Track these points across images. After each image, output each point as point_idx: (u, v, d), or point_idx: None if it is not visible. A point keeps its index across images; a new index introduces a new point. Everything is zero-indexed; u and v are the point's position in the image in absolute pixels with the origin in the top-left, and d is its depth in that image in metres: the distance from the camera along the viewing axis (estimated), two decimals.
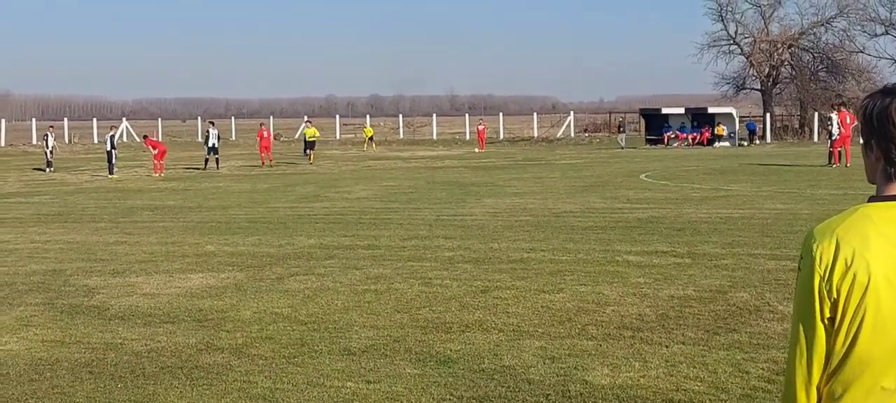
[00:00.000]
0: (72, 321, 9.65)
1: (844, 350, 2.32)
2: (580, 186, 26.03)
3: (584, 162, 40.07)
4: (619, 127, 61.64)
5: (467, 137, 68.10)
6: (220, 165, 39.06)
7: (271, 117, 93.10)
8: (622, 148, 53.28)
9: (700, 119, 57.74)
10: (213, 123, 42.46)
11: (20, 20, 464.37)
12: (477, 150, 54.40)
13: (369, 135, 61.49)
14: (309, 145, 43.59)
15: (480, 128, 59.40)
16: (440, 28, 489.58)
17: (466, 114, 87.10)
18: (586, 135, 70.76)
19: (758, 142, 56.80)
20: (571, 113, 79.46)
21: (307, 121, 46.40)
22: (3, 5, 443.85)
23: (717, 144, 54.71)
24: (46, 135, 41.59)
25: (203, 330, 9.08)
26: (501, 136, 70.17)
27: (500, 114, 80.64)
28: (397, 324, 9.14)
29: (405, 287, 11.06)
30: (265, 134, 42.19)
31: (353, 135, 78.94)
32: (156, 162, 36.08)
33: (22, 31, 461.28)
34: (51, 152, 40.47)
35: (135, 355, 8.23)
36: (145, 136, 41.69)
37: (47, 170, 38.99)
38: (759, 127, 60.00)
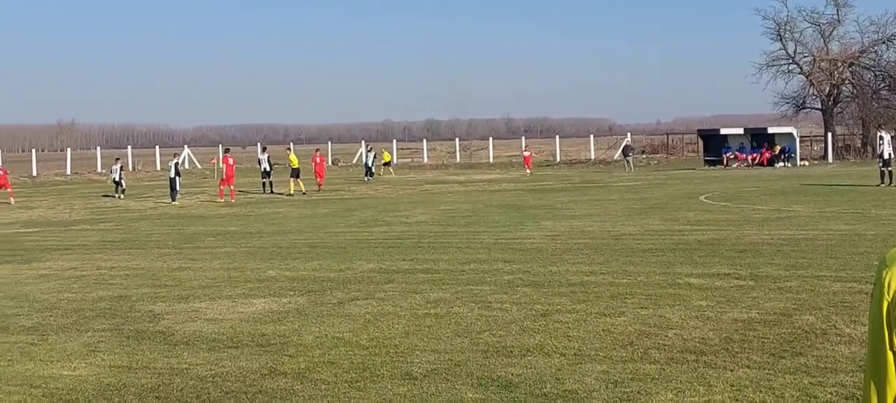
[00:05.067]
0: (138, 346, 9.81)
1: None
2: (639, 208, 25.84)
3: (642, 183, 39.77)
4: (625, 150, 60.25)
5: (531, 159, 67.92)
6: (274, 189, 39.71)
7: (329, 143, 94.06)
8: (630, 172, 52.62)
9: (760, 139, 57.08)
10: (264, 149, 43.30)
11: (84, 51, 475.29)
12: (529, 172, 54.28)
13: (386, 159, 61.66)
14: (294, 172, 40.57)
15: (526, 155, 58.99)
16: (495, 52, 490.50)
17: (523, 137, 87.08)
18: (644, 156, 70.24)
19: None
20: (628, 134, 79.00)
21: (286, 149, 45.04)
22: (69, 37, 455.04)
23: (777, 165, 53.98)
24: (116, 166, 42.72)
25: (266, 355, 9.17)
26: (558, 159, 69.99)
27: (556, 136, 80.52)
28: (458, 348, 9.14)
29: (465, 311, 11.07)
30: (318, 159, 42.97)
31: (409, 160, 79.37)
32: (221, 187, 36.51)
33: (86, 61, 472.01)
34: (119, 180, 41.55)
35: (200, 379, 8.33)
36: (227, 150, 42.13)
37: (118, 196, 40.01)
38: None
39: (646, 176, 47.85)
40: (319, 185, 41.63)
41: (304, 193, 38.12)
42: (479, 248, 17.38)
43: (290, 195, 37.85)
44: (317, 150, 46.69)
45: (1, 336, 10.54)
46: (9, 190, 40.34)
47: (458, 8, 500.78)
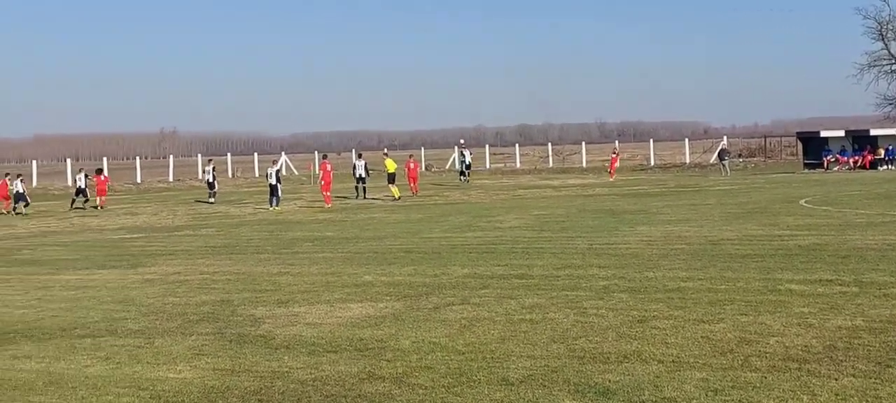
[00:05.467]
0: (240, 350, 10.05)
1: None
2: (737, 213, 25.39)
3: (740, 187, 39.05)
4: (721, 154, 58.67)
5: (617, 164, 67.47)
6: (367, 195, 40.20)
7: (422, 148, 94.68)
8: (726, 176, 51.49)
9: (862, 141, 55.54)
10: (360, 155, 44.05)
11: (185, 62, 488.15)
12: (612, 179, 53.76)
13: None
14: (390, 177, 41.15)
15: (613, 155, 58.76)
16: (588, 55, 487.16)
17: (616, 141, 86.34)
18: (741, 160, 68.93)
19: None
20: (724, 137, 77.68)
21: (383, 154, 45.94)
22: (169, 48, 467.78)
23: (880, 168, 52.40)
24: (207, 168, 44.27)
25: (364, 360, 9.30)
26: (652, 163, 69.19)
27: (650, 140, 79.54)
28: (554, 354, 9.14)
29: (561, 316, 11.05)
30: (411, 165, 43.56)
31: (502, 165, 79.36)
32: (324, 193, 37.18)
33: (186, 71, 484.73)
34: (213, 182, 43.05)
35: (300, 383, 8.50)
36: (324, 156, 43.09)
37: (210, 200, 41.42)
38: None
39: (743, 179, 46.98)
40: (414, 191, 42.02)
41: (398, 198, 38.51)
42: (574, 254, 17.31)
43: (396, 199, 38.26)
44: (410, 156, 47.31)
45: (110, 340, 10.92)
46: (102, 196, 42.14)
47: (550, 11, 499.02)
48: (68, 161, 72.61)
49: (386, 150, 48.56)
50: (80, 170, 44.88)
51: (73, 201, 42.12)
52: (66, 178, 65.92)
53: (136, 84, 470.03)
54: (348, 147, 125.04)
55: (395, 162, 42.88)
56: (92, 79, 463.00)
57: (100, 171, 46.01)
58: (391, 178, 40.51)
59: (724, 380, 7.91)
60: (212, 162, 45.74)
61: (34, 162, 78.77)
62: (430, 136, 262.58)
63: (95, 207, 40.57)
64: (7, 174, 43.51)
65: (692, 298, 11.92)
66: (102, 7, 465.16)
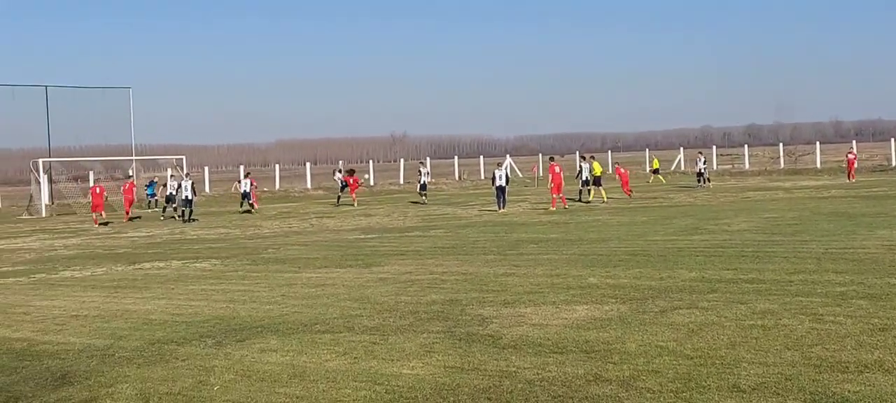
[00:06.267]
0: (469, 348, 10.33)
1: None
2: None
3: None
4: None
5: (856, 165, 63.96)
6: (592, 196, 40.33)
7: (647, 150, 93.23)
8: None
9: None
10: (584, 158, 44.70)
11: (413, 69, 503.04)
12: (848, 180, 51.04)
13: (656, 166, 66.08)
14: (596, 181, 41.30)
15: (850, 156, 55.94)
16: (822, 51, 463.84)
17: (853, 141, 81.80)
18: None
19: None
20: None
21: (591, 158, 45.83)
22: (396, 58, 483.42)
23: None
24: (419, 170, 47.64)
25: (590, 362, 9.36)
26: (893, 163, 65.12)
27: (892, 139, 74.80)
28: (788, 362, 8.86)
29: (794, 323, 10.69)
30: (621, 171, 44.15)
31: (730, 166, 76.99)
32: (553, 195, 37.55)
33: (416, 77, 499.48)
34: (423, 185, 46.99)
35: (528, 383, 8.66)
36: (552, 158, 44.10)
37: (423, 200, 45.10)
38: None
39: None
40: (628, 194, 42.49)
41: (604, 201, 38.82)
42: (807, 258, 16.64)
43: (588, 202, 38.68)
44: (616, 164, 48.91)
45: (347, 335, 11.48)
46: (353, 196, 46.10)
47: (780, 8, 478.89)
48: (307, 164, 76.42)
49: (592, 155, 48.86)
50: (336, 171, 49.40)
51: (339, 197, 46.84)
52: (306, 181, 69.49)
53: (369, 91, 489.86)
54: (571, 149, 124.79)
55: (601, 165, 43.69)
56: (329, 88, 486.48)
57: (351, 172, 49.66)
58: (596, 181, 40.91)
59: None
60: (424, 165, 49.12)
61: (277, 165, 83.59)
62: (654, 138, 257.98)
63: (351, 204, 44.29)
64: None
65: None
66: (340, 23, 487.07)
